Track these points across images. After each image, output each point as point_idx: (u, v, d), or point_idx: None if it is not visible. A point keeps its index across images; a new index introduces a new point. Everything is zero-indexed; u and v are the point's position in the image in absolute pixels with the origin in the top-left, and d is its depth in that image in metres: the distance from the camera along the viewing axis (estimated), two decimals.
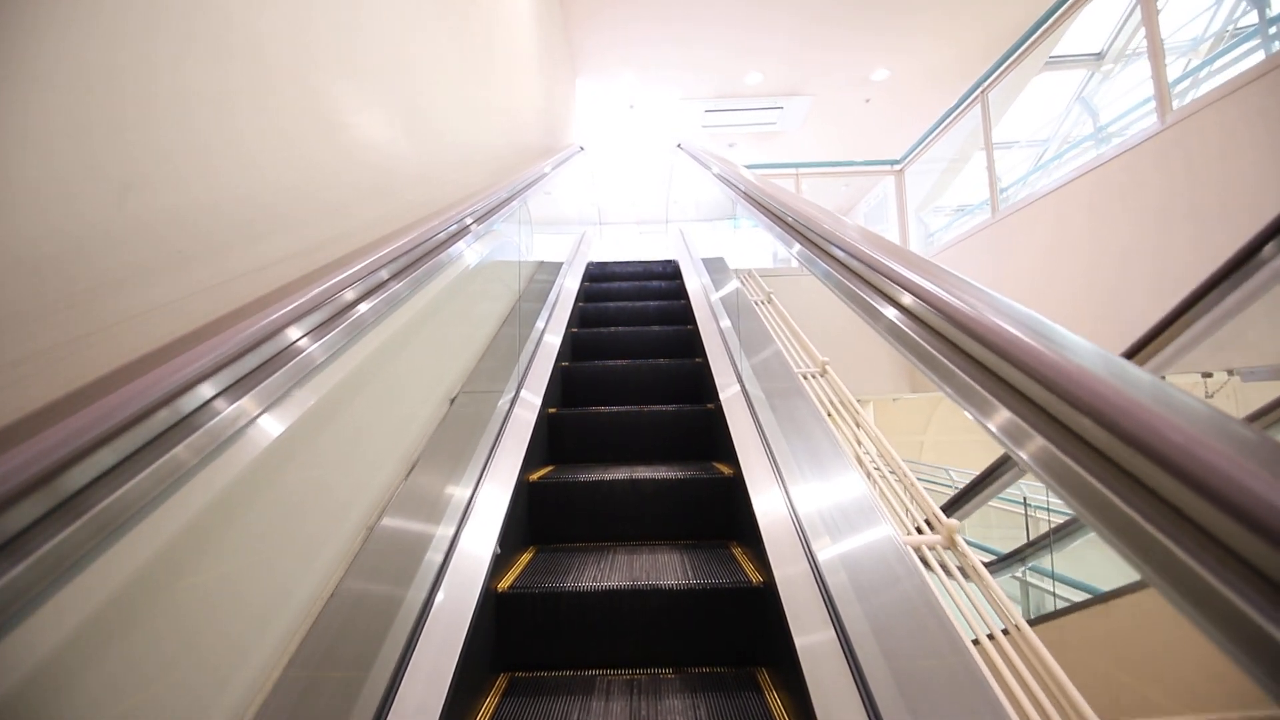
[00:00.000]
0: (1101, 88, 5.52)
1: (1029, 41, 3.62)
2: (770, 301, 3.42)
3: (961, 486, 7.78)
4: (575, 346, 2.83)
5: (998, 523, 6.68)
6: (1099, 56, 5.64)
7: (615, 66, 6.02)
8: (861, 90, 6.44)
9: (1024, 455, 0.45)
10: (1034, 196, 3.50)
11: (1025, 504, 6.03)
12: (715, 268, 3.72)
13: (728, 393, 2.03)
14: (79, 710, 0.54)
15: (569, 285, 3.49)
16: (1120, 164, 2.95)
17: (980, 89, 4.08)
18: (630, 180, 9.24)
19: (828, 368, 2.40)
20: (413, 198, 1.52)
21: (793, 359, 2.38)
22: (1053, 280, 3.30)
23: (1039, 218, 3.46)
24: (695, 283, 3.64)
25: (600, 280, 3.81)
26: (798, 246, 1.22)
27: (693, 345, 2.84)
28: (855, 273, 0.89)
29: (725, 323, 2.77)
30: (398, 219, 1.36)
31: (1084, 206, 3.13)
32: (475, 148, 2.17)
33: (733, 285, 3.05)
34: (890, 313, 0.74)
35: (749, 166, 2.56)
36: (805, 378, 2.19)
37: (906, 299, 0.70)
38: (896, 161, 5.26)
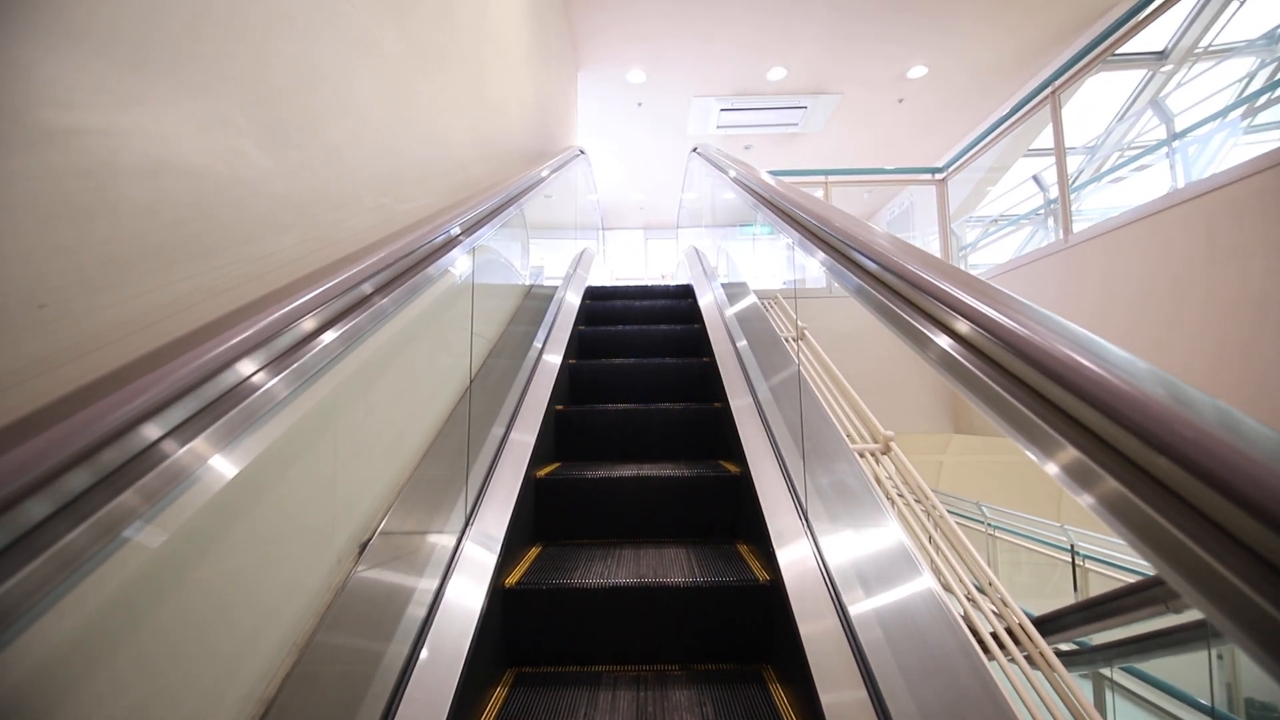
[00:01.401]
0: (1171, 88, 4.90)
1: (1121, 31, 3.00)
2: (804, 338, 2.94)
3: (991, 522, 7.11)
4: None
5: (1029, 568, 6.05)
6: (1161, 55, 5.01)
7: (623, 58, 5.41)
8: (895, 89, 5.81)
9: (1090, 499, 0.42)
10: (1123, 220, 2.88)
11: (1073, 552, 5.41)
12: (736, 293, 3.15)
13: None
14: None
15: (569, 299, 3.05)
16: (1253, 185, 2.33)
17: (1051, 88, 3.46)
18: (637, 184, 8.62)
19: (892, 444, 1.94)
20: (279, 247, 0.93)
21: (845, 430, 1.95)
22: (1158, 327, 2.68)
23: (1131, 246, 2.84)
24: (708, 297, 3.30)
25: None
26: (822, 255, 1.12)
27: (715, 405, 2.28)
28: (906, 297, 0.74)
29: (743, 346, 2.31)
30: (219, 292, 0.78)
31: (1200, 236, 2.51)
32: (419, 159, 1.57)
33: (760, 315, 2.48)
34: (944, 341, 0.64)
35: (773, 173, 2.04)
36: (863, 455, 1.77)
37: (964, 326, 0.60)
38: (939, 169, 4.64)
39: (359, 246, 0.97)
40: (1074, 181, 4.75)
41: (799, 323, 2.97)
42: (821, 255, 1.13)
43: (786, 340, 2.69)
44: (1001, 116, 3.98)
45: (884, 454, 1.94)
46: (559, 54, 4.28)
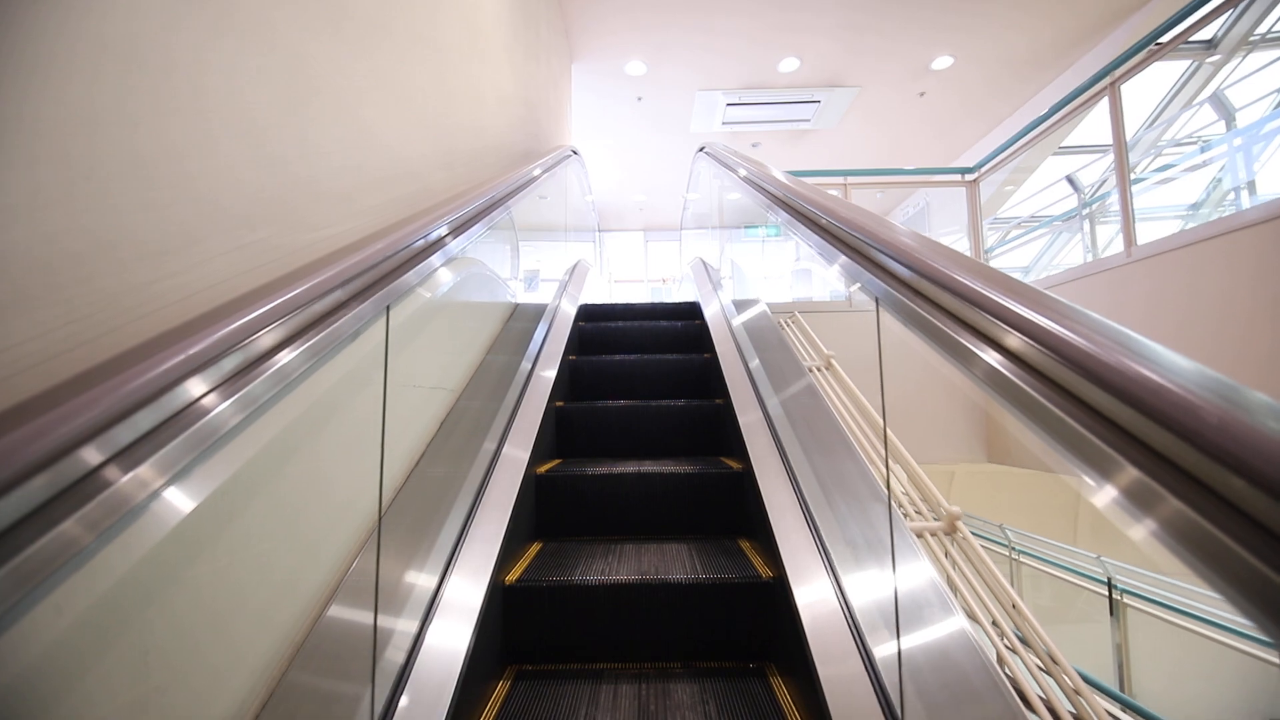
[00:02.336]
0: (1218, 81, 4.48)
1: (1201, 12, 2.56)
2: (831, 367, 2.57)
3: (1017, 547, 6.66)
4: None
5: (1051, 588, 5.65)
6: (1210, 45, 4.56)
7: (621, 48, 4.97)
8: (917, 82, 5.37)
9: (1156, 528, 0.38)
10: (1207, 234, 2.46)
11: (1110, 586, 5.01)
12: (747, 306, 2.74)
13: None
14: None
15: (561, 312, 2.53)
16: None
17: (1110, 78, 3.03)
18: (637, 184, 8.18)
19: (959, 524, 1.56)
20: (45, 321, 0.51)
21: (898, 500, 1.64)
22: (1259, 365, 2.26)
23: (1220, 262, 2.41)
24: (718, 312, 2.84)
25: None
26: (842, 259, 1.06)
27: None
28: (956, 315, 0.67)
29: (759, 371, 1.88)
30: None
31: None
32: (337, 169, 1.15)
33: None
34: (993, 357, 0.58)
35: (791, 173, 1.72)
36: (921, 536, 1.49)
37: (1018, 341, 0.55)
38: (970, 170, 4.21)
39: (172, 324, 0.55)
40: (1102, 186, 4.33)
41: (826, 350, 2.56)
42: (846, 261, 1.04)
43: (811, 370, 2.32)
44: (1045, 113, 3.55)
45: (948, 534, 1.56)
46: (549, 42, 3.85)
